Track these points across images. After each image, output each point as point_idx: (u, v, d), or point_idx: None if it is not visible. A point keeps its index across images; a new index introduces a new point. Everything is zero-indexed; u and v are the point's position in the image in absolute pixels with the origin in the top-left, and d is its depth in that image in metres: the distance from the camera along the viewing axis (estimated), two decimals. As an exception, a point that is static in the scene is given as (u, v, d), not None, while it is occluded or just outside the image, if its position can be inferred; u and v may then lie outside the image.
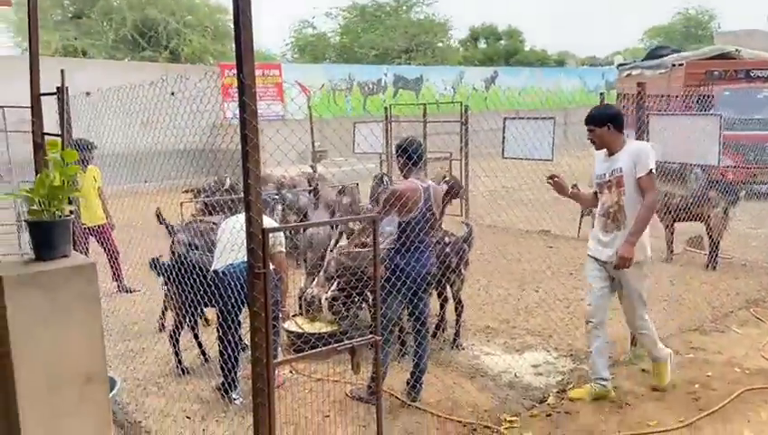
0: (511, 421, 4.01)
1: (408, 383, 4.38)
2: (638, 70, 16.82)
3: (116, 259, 6.98)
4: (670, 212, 7.65)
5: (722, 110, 11.81)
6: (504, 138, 9.53)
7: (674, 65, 14.61)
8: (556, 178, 4.40)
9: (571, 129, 22.60)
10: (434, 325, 5.37)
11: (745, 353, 4.97)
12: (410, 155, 4.27)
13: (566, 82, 29.02)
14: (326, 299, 5.16)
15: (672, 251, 7.82)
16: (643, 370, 4.70)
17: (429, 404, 4.25)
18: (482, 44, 42.14)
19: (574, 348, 5.18)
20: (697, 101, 12.36)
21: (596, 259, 4.30)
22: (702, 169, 11.50)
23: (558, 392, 4.35)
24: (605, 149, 4.24)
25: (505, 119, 9.67)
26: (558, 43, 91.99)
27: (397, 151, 4.37)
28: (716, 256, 7.42)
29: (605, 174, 4.22)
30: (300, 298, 5.65)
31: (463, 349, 5.19)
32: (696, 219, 7.59)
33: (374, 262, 3.34)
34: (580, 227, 9.34)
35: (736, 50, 15.51)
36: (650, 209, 4.04)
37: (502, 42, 41.24)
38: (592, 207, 4.45)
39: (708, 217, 7.37)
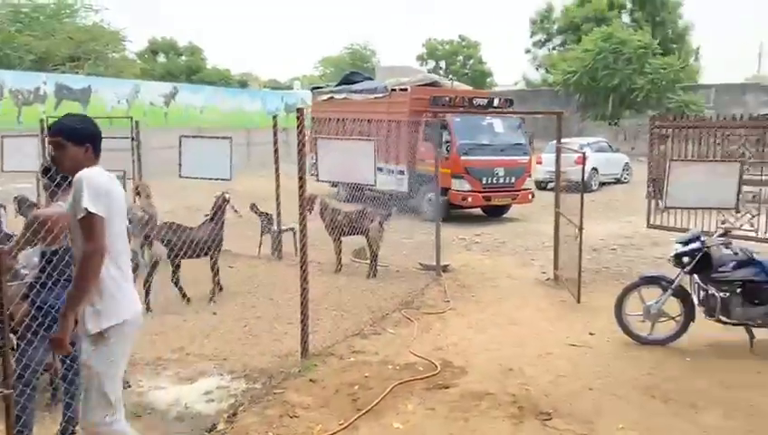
0: (178, 456, 3.81)
1: (57, 437, 3.82)
2: (342, 94, 16.31)
3: None
4: (337, 228, 8.32)
5: (458, 136, 12.81)
6: (180, 156, 9.22)
7: (393, 90, 14.44)
8: None
9: (254, 149, 23.15)
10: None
11: (397, 351, 5.63)
12: (55, 176, 3.77)
13: (248, 104, 29.64)
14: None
15: (341, 262, 8.51)
16: (311, 380, 4.95)
17: (85, 456, 3.78)
18: (161, 59, 40.53)
19: (249, 367, 5.20)
20: (440, 127, 12.54)
21: None
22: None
23: (228, 417, 4.30)
24: None
25: (181, 137, 9.38)
26: (242, 65, 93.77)
27: (42, 172, 3.83)
28: (376, 264, 8.32)
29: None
30: None
31: (129, 387, 4.77)
32: (358, 233, 8.39)
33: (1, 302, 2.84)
34: (260, 246, 9.55)
35: (450, 79, 16.53)
36: (90, 266, 2.85)
37: (183, 57, 40.28)
38: None
39: (368, 230, 8.22)
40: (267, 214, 9.62)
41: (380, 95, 14.71)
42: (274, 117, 9.83)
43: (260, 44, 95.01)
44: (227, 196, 7.44)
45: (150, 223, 7.65)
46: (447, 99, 13.34)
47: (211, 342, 5.79)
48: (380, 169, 13.80)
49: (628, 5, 36.02)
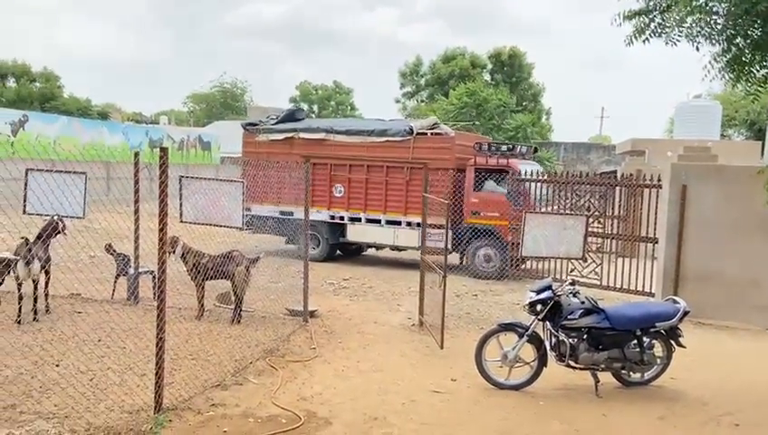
0: None
1: None
2: (317, 133, 13.98)
3: None
4: (200, 272, 7.94)
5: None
6: (25, 191, 8.42)
7: (421, 133, 12.95)
8: None
9: (114, 184, 21.76)
10: None
11: (259, 403, 5.39)
12: None
13: (109, 137, 27.88)
14: None
15: (203, 307, 8.10)
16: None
17: None
18: (11, 83, 37.44)
19: (93, 426, 4.71)
20: (500, 174, 12.27)
21: None
22: None
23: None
24: None
25: (28, 170, 8.59)
26: (104, 94, 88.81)
27: None
28: (240, 310, 8.01)
29: None
30: None
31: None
32: (223, 277, 8.06)
33: None
34: (114, 289, 8.88)
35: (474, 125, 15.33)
36: None
37: (36, 84, 37.45)
38: None
39: (233, 274, 7.92)
40: (124, 255, 8.99)
41: (398, 138, 12.96)
42: (136, 153, 9.30)
43: (125, 76, 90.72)
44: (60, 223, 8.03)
45: None
46: (503, 147, 12.51)
47: (50, 398, 5.20)
48: (398, 223, 13.06)
49: (489, 66, 38.89)
